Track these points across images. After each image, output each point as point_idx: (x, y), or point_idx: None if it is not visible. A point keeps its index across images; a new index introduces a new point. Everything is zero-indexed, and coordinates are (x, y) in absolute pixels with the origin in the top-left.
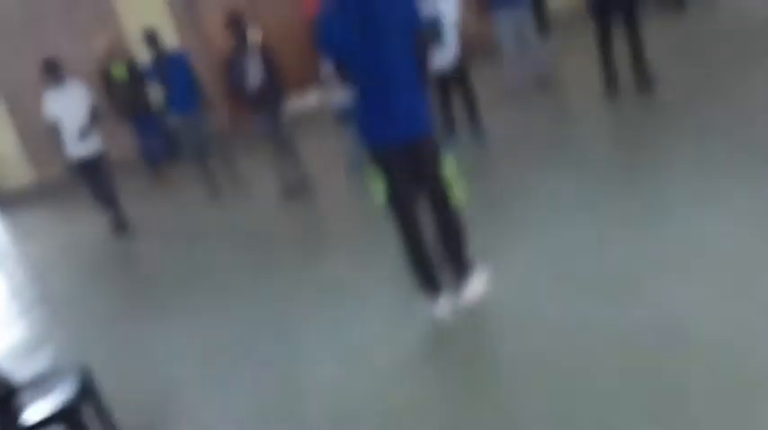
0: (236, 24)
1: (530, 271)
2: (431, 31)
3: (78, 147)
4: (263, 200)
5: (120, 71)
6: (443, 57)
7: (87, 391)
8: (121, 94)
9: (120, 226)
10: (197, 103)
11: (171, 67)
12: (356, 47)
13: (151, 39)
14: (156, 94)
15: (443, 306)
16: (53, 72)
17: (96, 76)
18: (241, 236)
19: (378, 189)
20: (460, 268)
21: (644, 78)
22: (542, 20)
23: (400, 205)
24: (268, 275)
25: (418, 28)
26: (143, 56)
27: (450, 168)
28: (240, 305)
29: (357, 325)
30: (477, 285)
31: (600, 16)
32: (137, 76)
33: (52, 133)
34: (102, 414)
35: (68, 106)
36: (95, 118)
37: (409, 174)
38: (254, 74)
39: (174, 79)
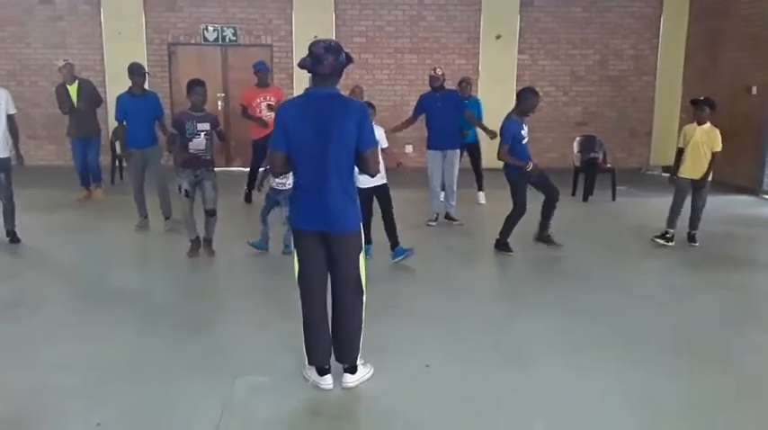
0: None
1: (405, 376)
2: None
3: None
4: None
5: (74, 91)
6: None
7: None
8: (74, 113)
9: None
10: (156, 139)
11: (143, 103)
12: (307, 147)
13: (136, 71)
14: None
15: (327, 381)
16: None
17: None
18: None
19: (295, 265)
20: (349, 356)
21: (543, 235)
22: (478, 172)
23: (308, 284)
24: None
25: (370, 148)
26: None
27: (363, 266)
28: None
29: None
30: (359, 374)
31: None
32: (87, 99)
33: None
34: None
35: None
36: (11, 126)
37: (326, 259)
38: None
39: (143, 113)
